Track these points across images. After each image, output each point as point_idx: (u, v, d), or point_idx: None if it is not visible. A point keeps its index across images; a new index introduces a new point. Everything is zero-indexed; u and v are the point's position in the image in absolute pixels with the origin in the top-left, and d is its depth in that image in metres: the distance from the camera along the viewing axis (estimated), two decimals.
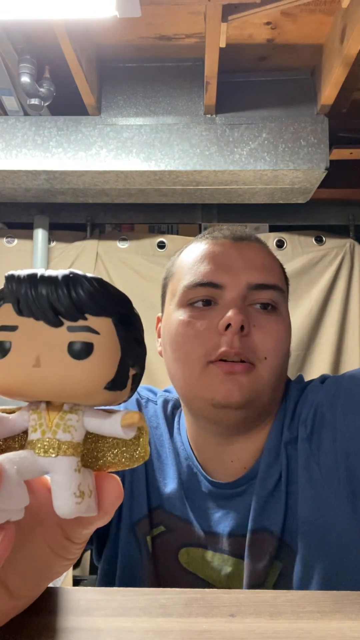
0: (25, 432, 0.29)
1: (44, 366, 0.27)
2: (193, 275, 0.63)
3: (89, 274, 0.28)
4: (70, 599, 0.38)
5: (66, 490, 0.27)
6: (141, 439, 0.30)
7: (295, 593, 0.37)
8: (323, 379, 0.70)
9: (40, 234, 2.61)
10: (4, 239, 2.69)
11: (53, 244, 2.68)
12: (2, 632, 0.34)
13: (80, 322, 0.27)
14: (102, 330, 0.27)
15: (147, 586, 0.65)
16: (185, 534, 0.65)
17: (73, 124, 2.17)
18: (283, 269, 0.72)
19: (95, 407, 0.30)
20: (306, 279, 2.55)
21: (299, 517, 0.60)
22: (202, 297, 0.62)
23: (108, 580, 0.70)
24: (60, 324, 0.27)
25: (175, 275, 0.67)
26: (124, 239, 2.67)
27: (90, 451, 0.30)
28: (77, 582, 2.32)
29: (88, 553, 2.28)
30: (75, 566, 2.38)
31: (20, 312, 0.27)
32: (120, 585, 0.68)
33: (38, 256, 2.59)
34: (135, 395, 0.71)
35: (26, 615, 0.36)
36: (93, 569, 2.38)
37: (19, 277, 0.27)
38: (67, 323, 0.27)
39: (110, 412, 0.29)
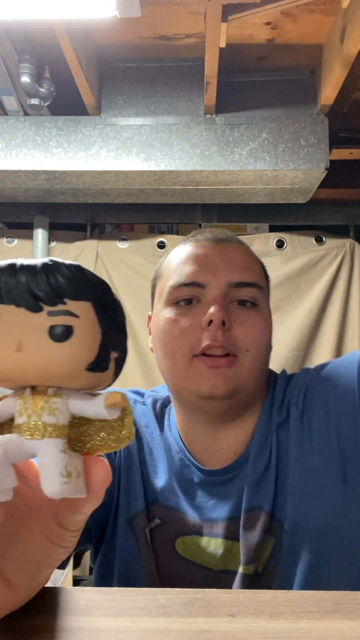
0: (12, 419, 0.30)
1: (26, 350, 0.27)
2: (178, 276, 0.68)
3: (67, 261, 0.29)
4: (70, 599, 0.38)
5: (53, 470, 0.28)
6: (125, 420, 0.30)
7: (295, 593, 0.37)
8: (308, 369, 0.75)
9: (40, 234, 2.61)
10: (4, 239, 2.69)
11: (53, 244, 2.69)
12: (1, 632, 0.34)
13: (60, 307, 0.28)
14: (82, 313, 0.28)
15: (145, 579, 0.67)
16: (181, 524, 0.68)
17: (73, 124, 2.17)
18: (264, 268, 0.77)
19: (80, 391, 0.30)
20: (306, 279, 2.55)
21: (288, 488, 0.64)
22: (187, 296, 0.67)
23: (106, 574, 0.72)
24: (40, 309, 0.28)
25: (163, 276, 0.72)
26: (124, 239, 2.67)
27: (77, 436, 0.31)
28: (77, 582, 2.32)
29: (88, 553, 2.28)
30: (75, 566, 2.38)
31: (1, 300, 0.28)
32: (119, 580, 0.70)
33: (38, 256, 2.59)
34: None
35: (26, 615, 0.36)
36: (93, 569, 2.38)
37: None
38: (47, 308, 0.28)
39: (95, 395, 0.30)
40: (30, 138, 2.17)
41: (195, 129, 2.16)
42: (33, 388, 0.30)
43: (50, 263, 0.28)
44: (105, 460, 0.31)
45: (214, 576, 0.66)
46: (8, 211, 2.71)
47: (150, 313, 0.79)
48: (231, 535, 0.66)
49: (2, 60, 1.92)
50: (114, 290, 0.31)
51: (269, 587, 0.63)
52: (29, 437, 0.28)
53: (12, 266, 0.28)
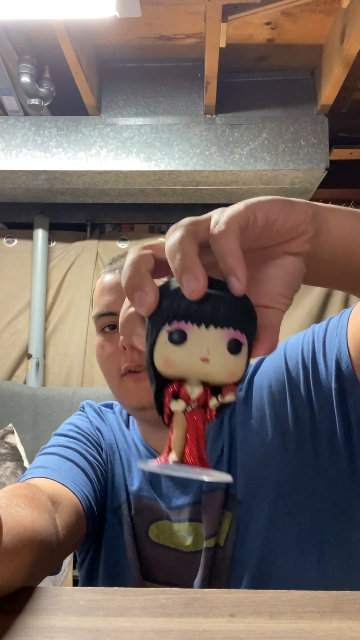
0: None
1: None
2: (97, 307, 0.75)
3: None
4: (70, 599, 0.38)
5: None
6: None
7: (295, 593, 0.37)
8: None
9: (40, 234, 2.61)
10: (4, 239, 2.69)
11: (53, 244, 2.69)
12: (1, 632, 0.34)
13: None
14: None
15: (128, 563, 0.73)
16: (153, 511, 0.73)
17: (73, 124, 2.17)
18: None
19: None
20: None
21: (239, 464, 0.69)
22: (107, 324, 0.73)
23: (94, 560, 0.78)
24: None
25: (93, 306, 0.80)
26: (124, 239, 2.67)
27: None
28: (77, 582, 2.32)
29: None
30: (75, 566, 2.38)
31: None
32: (105, 563, 0.75)
33: (38, 256, 2.59)
34: (96, 409, 0.85)
35: (26, 615, 0.36)
36: None
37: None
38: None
39: None
40: (30, 138, 2.17)
41: (195, 129, 2.16)
42: None
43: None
44: None
45: (185, 557, 0.70)
46: (8, 211, 2.71)
47: None
48: (196, 517, 0.70)
49: (2, 60, 1.92)
50: None
51: (230, 558, 0.67)
52: None
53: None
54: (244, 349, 0.34)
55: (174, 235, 0.34)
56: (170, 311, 0.33)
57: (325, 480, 0.65)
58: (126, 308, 0.36)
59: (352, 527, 0.67)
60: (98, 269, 2.59)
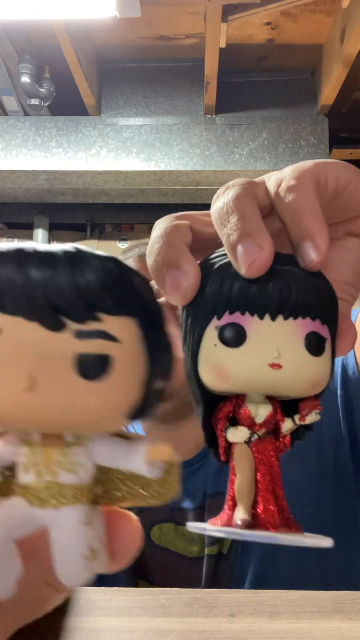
0: (11, 468, 0.21)
1: (41, 389, 0.19)
2: None
3: (98, 252, 0.20)
4: (70, 599, 0.38)
5: (73, 551, 0.20)
6: (169, 476, 0.23)
7: (295, 593, 0.37)
8: None
9: (40, 234, 2.61)
10: (4, 239, 2.69)
11: (53, 244, 2.69)
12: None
13: (93, 325, 0.19)
14: (123, 335, 0.20)
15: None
16: (156, 512, 0.71)
17: (73, 124, 2.17)
18: None
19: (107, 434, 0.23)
20: None
21: None
22: None
23: None
24: (63, 326, 0.19)
25: None
26: (124, 239, 2.67)
27: (100, 480, 0.23)
28: None
29: None
30: None
31: (3, 309, 0.19)
32: None
33: None
34: None
35: None
36: None
37: (1, 254, 0.19)
38: (72, 326, 0.19)
39: (127, 437, 0.22)
40: (30, 138, 2.17)
41: (195, 129, 2.16)
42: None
43: (75, 252, 0.20)
44: (132, 516, 0.23)
45: (187, 563, 0.68)
46: (8, 211, 2.71)
47: None
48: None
49: (2, 60, 1.92)
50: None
51: (232, 566, 0.65)
52: (39, 504, 0.20)
53: (19, 254, 0.19)
54: (328, 346, 0.24)
55: (226, 195, 0.25)
56: (219, 298, 0.23)
57: (330, 488, 0.64)
58: None
59: (357, 540, 0.65)
60: None
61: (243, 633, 0.33)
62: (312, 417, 0.25)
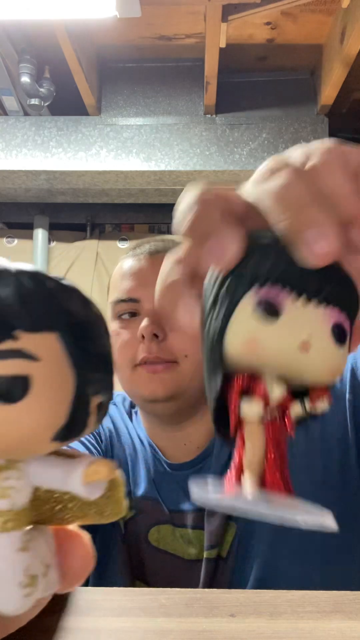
0: None
1: None
2: (117, 292, 0.72)
3: (17, 264, 0.19)
4: (70, 599, 0.38)
5: (8, 581, 0.19)
6: (115, 493, 0.22)
7: (295, 593, 0.37)
8: None
9: (40, 234, 2.61)
10: (4, 239, 2.69)
11: (53, 244, 2.68)
12: None
13: (8, 344, 0.18)
14: (44, 353, 0.19)
15: (119, 568, 0.70)
16: (155, 513, 0.71)
17: (73, 124, 2.17)
18: None
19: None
20: None
21: None
22: (126, 311, 0.70)
23: None
24: None
25: (110, 291, 0.77)
26: (124, 239, 2.67)
27: (45, 500, 0.22)
28: None
29: None
30: None
31: None
32: (96, 566, 0.72)
33: (38, 256, 2.59)
34: None
35: None
36: None
37: None
38: None
39: (66, 455, 0.22)
40: (30, 138, 2.17)
41: (195, 129, 2.16)
42: None
43: None
44: (84, 536, 0.23)
45: (185, 566, 0.67)
46: (8, 211, 2.71)
47: None
48: (199, 525, 0.68)
49: (2, 60, 1.92)
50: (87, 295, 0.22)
51: (232, 570, 0.65)
52: None
53: None
54: (347, 340, 0.24)
55: (283, 177, 0.23)
56: (262, 270, 0.23)
57: (335, 494, 0.63)
58: (166, 273, 0.26)
59: (358, 548, 0.64)
60: (98, 269, 2.59)
61: (243, 633, 0.33)
62: (322, 405, 0.24)
